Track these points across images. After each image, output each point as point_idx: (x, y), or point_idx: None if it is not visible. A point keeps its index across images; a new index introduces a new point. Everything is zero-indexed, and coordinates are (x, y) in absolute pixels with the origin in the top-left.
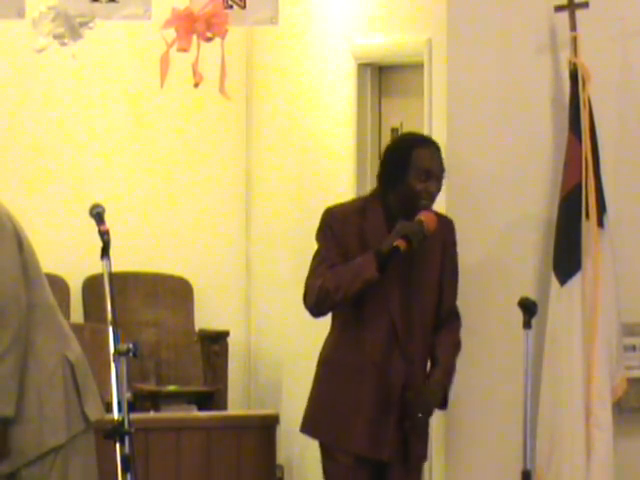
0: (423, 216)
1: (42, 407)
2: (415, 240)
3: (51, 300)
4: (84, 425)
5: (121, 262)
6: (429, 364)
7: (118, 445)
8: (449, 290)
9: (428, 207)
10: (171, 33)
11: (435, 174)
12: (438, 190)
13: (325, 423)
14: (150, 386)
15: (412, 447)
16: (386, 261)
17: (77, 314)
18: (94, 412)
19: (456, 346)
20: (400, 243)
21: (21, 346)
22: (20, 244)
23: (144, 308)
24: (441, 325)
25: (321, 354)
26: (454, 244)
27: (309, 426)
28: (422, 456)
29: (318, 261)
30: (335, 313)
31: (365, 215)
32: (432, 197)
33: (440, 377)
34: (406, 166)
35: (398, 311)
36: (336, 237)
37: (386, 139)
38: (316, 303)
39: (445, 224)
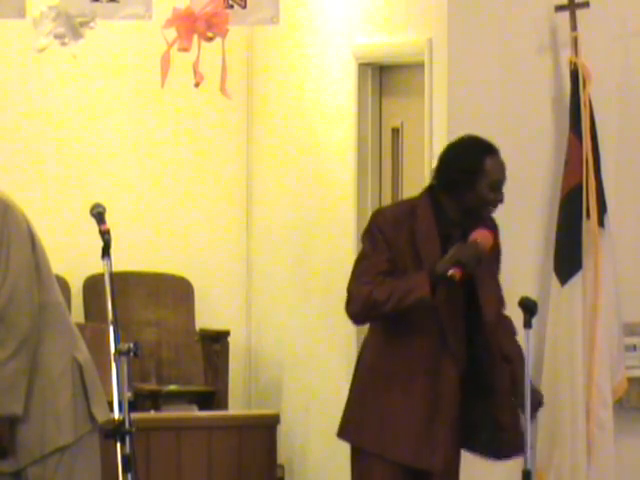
0: (479, 236)
1: (49, 407)
2: (470, 267)
3: (61, 300)
4: (91, 426)
5: (122, 262)
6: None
7: (119, 445)
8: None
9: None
10: (172, 33)
11: (503, 184)
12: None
13: (371, 431)
14: (151, 386)
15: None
16: (439, 284)
17: (78, 314)
18: (101, 413)
19: (521, 357)
20: (455, 273)
21: (31, 346)
22: (33, 243)
23: (145, 308)
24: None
25: (364, 359)
26: (500, 251)
27: (352, 432)
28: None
29: (364, 267)
30: None
31: (415, 218)
32: (498, 206)
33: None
34: (478, 174)
35: (447, 317)
36: (386, 241)
37: (387, 139)
38: (361, 312)
39: (492, 228)
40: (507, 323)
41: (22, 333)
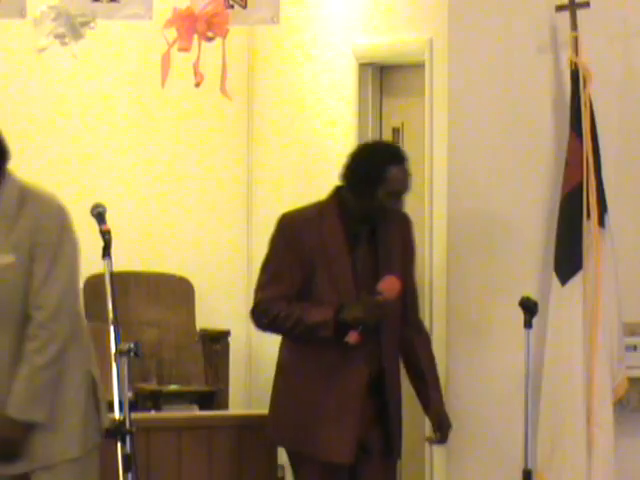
0: (386, 288)
1: (63, 419)
2: (372, 325)
3: (80, 310)
4: (99, 438)
5: (122, 262)
6: (407, 374)
7: (119, 445)
8: (413, 295)
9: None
10: (172, 33)
11: (405, 194)
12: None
13: (288, 429)
14: (151, 386)
15: (395, 442)
16: (345, 330)
17: None
18: (106, 424)
19: (436, 364)
20: (352, 340)
21: (64, 356)
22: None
23: (145, 308)
24: (413, 334)
25: (280, 357)
26: (413, 246)
27: (272, 431)
28: (399, 449)
29: (270, 274)
30: None
31: (322, 220)
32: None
33: (441, 400)
34: (378, 182)
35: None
36: (293, 245)
37: (387, 139)
38: (266, 329)
39: (403, 222)
40: (424, 338)
41: (62, 340)
